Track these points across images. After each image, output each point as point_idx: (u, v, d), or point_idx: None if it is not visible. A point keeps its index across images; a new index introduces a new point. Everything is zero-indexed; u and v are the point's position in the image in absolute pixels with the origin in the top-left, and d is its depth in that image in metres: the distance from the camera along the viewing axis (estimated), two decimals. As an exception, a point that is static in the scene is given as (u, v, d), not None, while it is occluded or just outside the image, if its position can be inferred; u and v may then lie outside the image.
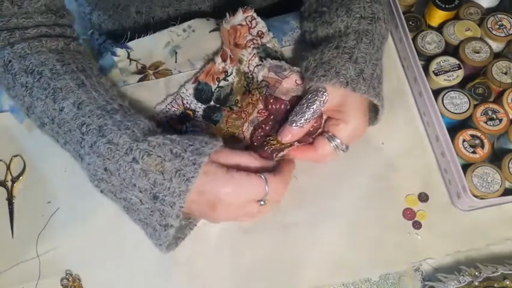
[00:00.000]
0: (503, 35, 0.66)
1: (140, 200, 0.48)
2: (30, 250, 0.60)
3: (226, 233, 0.60)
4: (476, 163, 0.59)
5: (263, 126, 0.61)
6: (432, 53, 0.66)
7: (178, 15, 0.75)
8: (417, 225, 0.60)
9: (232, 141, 0.62)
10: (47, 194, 0.63)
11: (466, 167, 0.59)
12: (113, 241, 0.60)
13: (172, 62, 0.69)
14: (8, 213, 0.63)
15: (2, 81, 0.56)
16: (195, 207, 0.49)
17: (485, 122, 0.61)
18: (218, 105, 0.64)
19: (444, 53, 0.66)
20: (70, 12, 0.62)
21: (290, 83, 0.60)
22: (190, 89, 0.65)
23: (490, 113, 0.61)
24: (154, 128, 0.52)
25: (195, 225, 0.57)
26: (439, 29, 0.69)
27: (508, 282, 0.54)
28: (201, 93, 0.65)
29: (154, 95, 0.66)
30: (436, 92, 0.63)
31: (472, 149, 0.60)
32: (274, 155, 0.54)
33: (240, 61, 0.64)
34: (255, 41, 0.65)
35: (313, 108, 0.53)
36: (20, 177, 0.65)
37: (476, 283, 0.54)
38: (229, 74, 0.65)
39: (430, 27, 0.70)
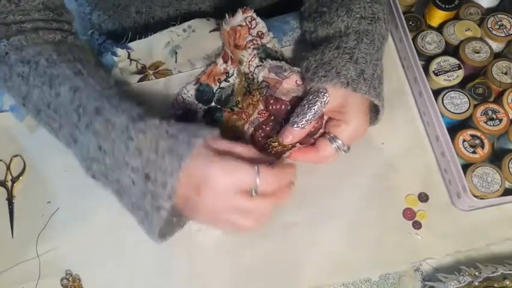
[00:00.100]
0: (503, 35, 0.66)
1: (132, 181, 0.46)
2: (30, 250, 0.60)
3: (226, 233, 0.60)
4: (476, 163, 0.59)
5: (263, 127, 0.61)
6: (432, 53, 0.66)
7: (178, 15, 0.75)
8: (417, 225, 0.60)
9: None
10: (47, 194, 0.63)
11: (466, 167, 0.59)
12: (113, 241, 0.60)
13: (172, 62, 0.69)
14: (8, 213, 0.63)
15: None
16: (181, 192, 0.46)
17: (485, 122, 0.61)
18: (219, 106, 0.64)
19: (444, 53, 0.66)
20: (69, 11, 0.62)
21: (290, 83, 0.60)
22: (191, 90, 0.65)
23: (490, 113, 0.61)
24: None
25: (185, 223, 0.55)
26: (439, 29, 0.69)
27: (508, 282, 0.54)
28: (202, 94, 0.65)
29: (154, 95, 0.66)
30: (436, 92, 0.63)
31: (472, 149, 0.60)
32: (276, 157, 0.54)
33: (241, 62, 0.64)
34: (255, 42, 0.65)
35: (314, 109, 0.53)
36: (20, 177, 0.65)
37: (476, 283, 0.54)
38: (230, 75, 0.65)
39: (430, 27, 0.70)
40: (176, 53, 0.69)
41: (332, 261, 0.58)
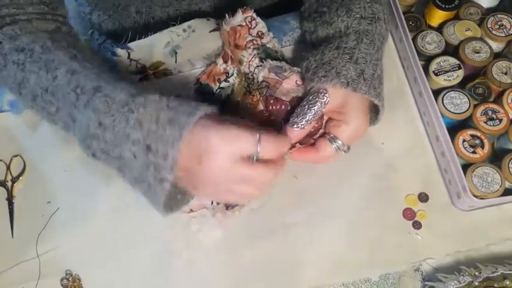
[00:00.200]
0: (503, 35, 0.66)
1: (134, 155, 0.46)
2: (30, 250, 0.60)
3: (226, 233, 0.60)
4: (476, 163, 0.59)
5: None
6: (432, 53, 0.66)
7: (178, 15, 0.75)
8: (417, 225, 0.60)
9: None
10: (47, 194, 0.63)
11: (466, 167, 0.59)
12: (113, 241, 0.60)
13: (172, 62, 0.69)
14: (8, 213, 0.63)
15: None
16: (183, 163, 0.46)
17: (485, 122, 0.61)
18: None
19: (444, 53, 0.66)
20: (64, 5, 0.62)
21: (290, 83, 0.60)
22: (191, 90, 0.65)
23: (490, 113, 0.61)
24: None
25: (189, 200, 0.54)
26: (439, 29, 0.69)
27: (508, 282, 0.54)
28: (202, 94, 0.65)
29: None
30: (436, 92, 0.63)
31: (472, 149, 0.60)
32: None
33: (241, 62, 0.64)
34: (255, 42, 0.65)
35: (314, 110, 0.53)
36: (20, 177, 0.65)
37: (476, 283, 0.54)
38: (230, 75, 0.65)
39: (430, 27, 0.70)
40: (176, 53, 0.69)
41: (332, 261, 0.58)
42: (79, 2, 0.82)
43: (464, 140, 0.60)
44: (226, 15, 0.65)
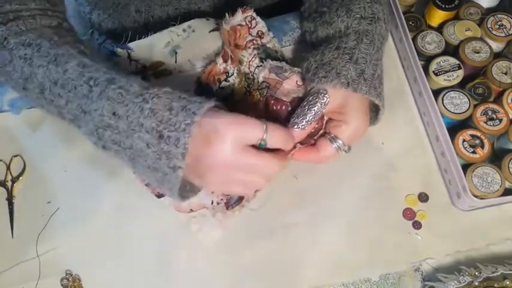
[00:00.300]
0: (503, 35, 0.66)
1: (147, 144, 0.47)
2: (30, 250, 0.60)
3: (226, 233, 0.60)
4: (476, 163, 0.59)
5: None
6: (432, 53, 0.66)
7: (177, 15, 0.75)
8: (417, 225, 0.60)
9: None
10: (47, 194, 0.63)
11: (466, 167, 0.59)
12: (113, 241, 0.60)
13: (172, 62, 0.69)
14: (8, 213, 0.63)
15: None
16: (193, 151, 0.47)
17: (485, 122, 0.61)
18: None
19: (444, 53, 0.66)
20: (63, 3, 0.62)
21: (291, 84, 0.60)
22: (191, 90, 0.65)
23: (490, 113, 0.61)
24: None
25: (199, 189, 0.54)
26: (439, 29, 0.69)
27: (508, 282, 0.54)
28: (202, 94, 0.64)
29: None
30: (436, 92, 0.63)
31: (472, 149, 0.60)
32: None
33: (241, 62, 0.64)
34: (255, 42, 0.65)
35: (314, 110, 0.53)
36: (20, 177, 0.65)
37: (476, 283, 0.54)
38: (230, 74, 0.65)
39: (430, 27, 0.70)
40: (176, 53, 0.69)
41: (332, 261, 0.58)
42: (79, 1, 0.82)
43: (464, 140, 0.60)
44: (226, 15, 0.65)
